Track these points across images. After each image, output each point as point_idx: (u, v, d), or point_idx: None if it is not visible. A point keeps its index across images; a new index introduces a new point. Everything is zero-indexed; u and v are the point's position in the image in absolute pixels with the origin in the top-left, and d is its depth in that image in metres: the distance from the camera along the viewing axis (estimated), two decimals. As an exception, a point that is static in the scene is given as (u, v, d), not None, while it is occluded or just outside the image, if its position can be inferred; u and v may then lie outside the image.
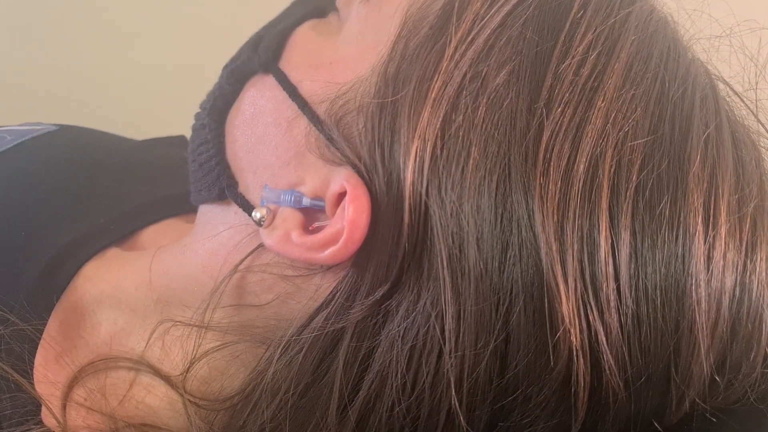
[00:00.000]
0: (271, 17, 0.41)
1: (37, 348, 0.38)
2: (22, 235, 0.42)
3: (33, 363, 0.38)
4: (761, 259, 0.31)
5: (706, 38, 0.35)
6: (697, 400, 0.31)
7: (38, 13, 0.87)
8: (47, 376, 0.37)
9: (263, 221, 0.34)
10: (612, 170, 0.30)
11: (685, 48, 0.34)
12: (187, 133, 0.41)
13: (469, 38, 0.32)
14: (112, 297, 0.40)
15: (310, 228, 0.34)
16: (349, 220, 0.31)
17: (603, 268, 0.29)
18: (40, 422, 0.35)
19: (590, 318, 0.29)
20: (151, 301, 0.39)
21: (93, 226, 0.43)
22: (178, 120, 0.48)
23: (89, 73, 0.88)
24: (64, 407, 0.36)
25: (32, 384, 0.37)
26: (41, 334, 0.39)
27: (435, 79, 0.31)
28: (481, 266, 0.30)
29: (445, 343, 0.30)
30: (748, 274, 0.31)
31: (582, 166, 0.30)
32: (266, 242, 0.34)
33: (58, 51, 0.88)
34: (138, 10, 0.86)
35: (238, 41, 0.41)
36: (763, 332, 0.32)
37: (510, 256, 0.30)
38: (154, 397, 0.37)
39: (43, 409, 0.36)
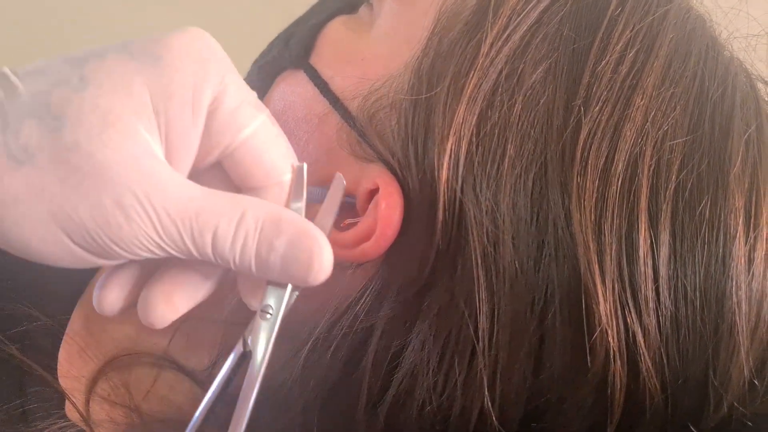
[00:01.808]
0: (298, 14, 0.41)
1: (60, 343, 0.38)
2: None
3: (57, 357, 0.38)
4: None
5: (743, 37, 0.34)
6: (735, 404, 0.30)
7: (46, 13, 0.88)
8: (71, 370, 0.37)
9: None
10: (651, 169, 0.29)
11: (723, 47, 0.34)
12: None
13: (505, 35, 0.31)
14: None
15: (342, 225, 0.34)
16: (382, 217, 0.31)
17: (642, 269, 0.29)
18: (64, 416, 0.35)
19: (628, 319, 0.29)
20: None
21: None
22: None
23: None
24: (87, 401, 0.36)
25: (56, 378, 0.37)
26: (65, 329, 0.39)
27: (470, 76, 0.31)
28: (516, 265, 0.29)
29: (478, 342, 0.30)
30: None
31: (621, 165, 0.29)
32: None
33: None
34: (156, 7, 0.86)
35: (265, 38, 0.41)
36: None
37: (546, 255, 0.29)
38: (178, 393, 0.37)
39: (67, 403, 0.36)
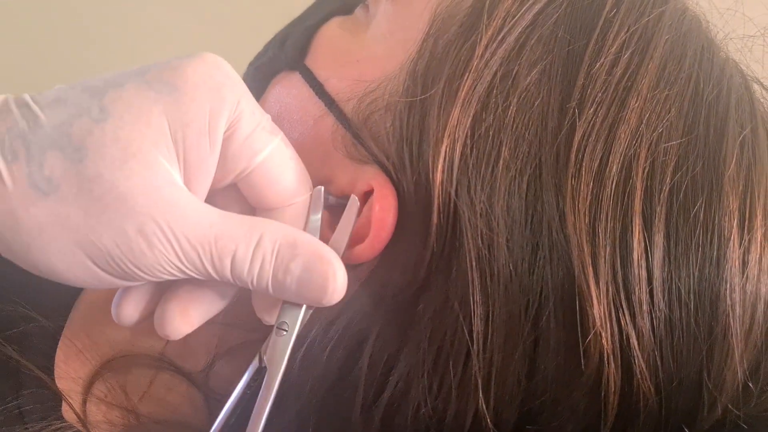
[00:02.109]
0: (295, 14, 0.41)
1: (57, 344, 0.38)
2: None
3: (54, 359, 0.38)
4: None
5: (739, 38, 0.34)
6: (729, 406, 0.30)
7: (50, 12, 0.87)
8: (68, 372, 0.38)
9: None
10: (645, 172, 0.29)
11: (719, 48, 0.34)
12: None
13: (500, 37, 0.31)
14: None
15: (336, 227, 0.34)
16: (376, 219, 0.31)
17: (636, 272, 0.29)
18: (61, 417, 0.36)
19: (622, 322, 0.29)
20: None
21: None
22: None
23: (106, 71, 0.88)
24: (84, 403, 0.36)
25: (53, 380, 0.37)
26: (62, 331, 0.39)
27: (465, 78, 0.31)
28: (511, 267, 0.29)
29: (473, 345, 0.30)
30: None
31: (615, 168, 0.29)
32: None
33: (71, 52, 0.88)
34: (156, 7, 0.86)
35: (261, 39, 0.41)
36: None
37: (540, 258, 0.29)
38: (175, 394, 0.37)
39: (64, 404, 0.36)
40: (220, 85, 0.28)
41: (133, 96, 0.27)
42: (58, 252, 0.26)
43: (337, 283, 0.29)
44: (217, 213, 0.28)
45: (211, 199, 0.30)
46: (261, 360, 0.31)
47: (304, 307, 0.30)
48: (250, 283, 0.29)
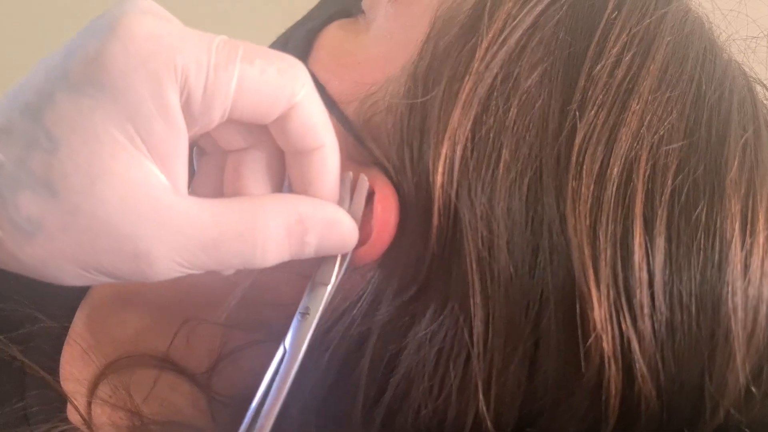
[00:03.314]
0: (297, 17, 0.41)
1: (62, 345, 0.39)
2: None
3: (59, 360, 0.38)
4: None
5: (742, 39, 0.34)
6: (732, 411, 0.30)
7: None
8: (73, 373, 0.38)
9: None
10: (647, 174, 0.29)
11: (722, 49, 0.34)
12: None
13: (501, 39, 0.31)
14: (138, 294, 0.40)
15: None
16: (377, 221, 0.31)
17: (636, 274, 0.29)
18: (66, 419, 0.36)
19: (623, 325, 0.29)
20: (177, 299, 0.39)
21: None
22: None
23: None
24: (89, 404, 0.37)
25: (58, 381, 0.37)
26: (67, 332, 0.39)
27: (465, 80, 0.31)
28: (511, 270, 0.29)
29: (473, 347, 0.30)
30: None
31: (616, 170, 0.29)
32: None
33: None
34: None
35: (263, 42, 0.41)
36: None
37: (541, 261, 0.29)
38: (178, 395, 0.37)
39: (69, 406, 0.36)
40: (146, 60, 0.25)
41: (70, 111, 0.25)
42: (69, 275, 0.26)
43: (352, 236, 0.30)
44: (209, 211, 0.27)
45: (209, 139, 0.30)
46: (284, 348, 0.31)
47: (328, 289, 0.31)
48: (267, 266, 0.29)
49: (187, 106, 0.26)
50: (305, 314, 0.31)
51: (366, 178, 0.32)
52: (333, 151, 0.30)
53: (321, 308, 0.31)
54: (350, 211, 0.31)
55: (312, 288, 0.31)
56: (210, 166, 0.31)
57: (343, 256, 0.31)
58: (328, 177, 0.30)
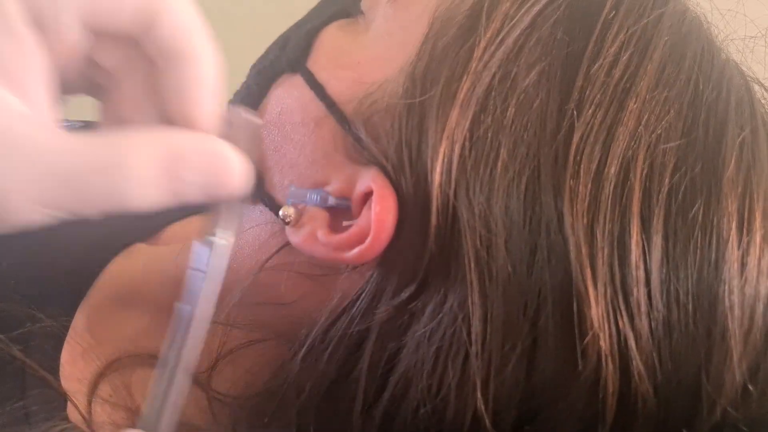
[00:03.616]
0: (297, 17, 0.41)
1: (63, 344, 0.39)
2: (48, 232, 0.42)
3: (59, 359, 0.38)
4: None
5: (740, 39, 0.34)
6: (728, 408, 0.30)
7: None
8: (73, 372, 0.38)
9: (289, 220, 0.34)
10: (644, 173, 0.29)
11: (719, 49, 0.34)
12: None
13: (499, 39, 0.31)
14: (138, 293, 0.41)
15: (337, 227, 0.34)
16: (376, 220, 0.31)
17: (634, 273, 0.29)
18: (66, 418, 0.36)
19: (620, 323, 0.29)
20: (177, 298, 0.39)
21: (119, 222, 0.44)
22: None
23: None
24: (89, 403, 0.37)
25: (59, 380, 0.37)
26: (68, 331, 0.39)
27: (463, 80, 0.31)
28: (509, 269, 0.30)
29: (471, 346, 0.30)
30: None
31: (613, 169, 0.29)
32: (292, 241, 0.34)
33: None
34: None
35: (265, 41, 0.41)
36: None
37: (538, 259, 0.29)
38: None
39: (69, 405, 0.36)
40: None
41: None
42: None
43: (241, 174, 0.26)
44: (72, 143, 0.23)
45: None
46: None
47: (222, 242, 0.27)
48: (144, 208, 0.25)
49: (31, 13, 0.23)
50: (198, 270, 0.27)
51: (256, 117, 0.28)
52: (208, 65, 0.26)
53: (215, 262, 0.27)
54: (241, 151, 0.27)
55: (206, 242, 0.28)
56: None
57: (240, 202, 0.27)
58: (203, 96, 0.26)
